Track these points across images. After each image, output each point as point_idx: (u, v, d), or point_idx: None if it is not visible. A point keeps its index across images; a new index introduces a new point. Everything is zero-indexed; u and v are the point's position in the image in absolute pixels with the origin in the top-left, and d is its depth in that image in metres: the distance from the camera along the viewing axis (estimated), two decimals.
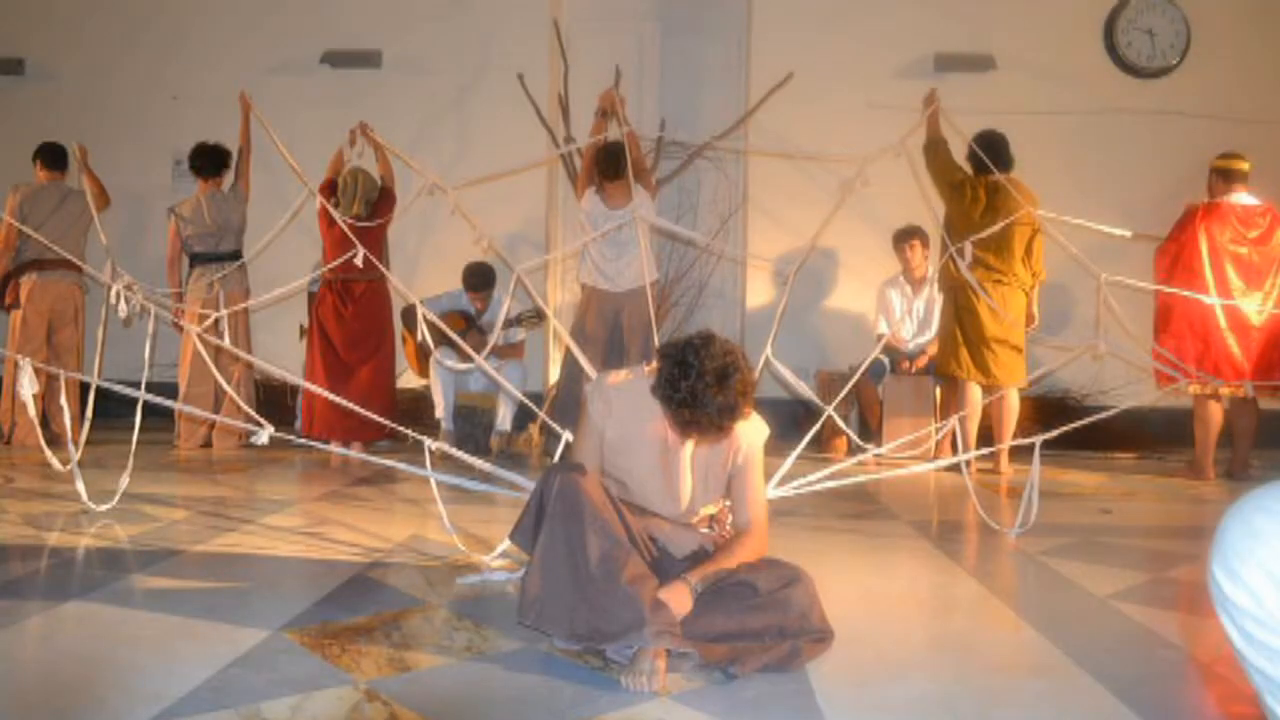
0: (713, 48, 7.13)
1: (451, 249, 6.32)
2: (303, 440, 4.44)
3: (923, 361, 5.95)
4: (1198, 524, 4.12)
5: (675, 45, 7.11)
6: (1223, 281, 5.01)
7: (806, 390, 4.29)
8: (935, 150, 5.31)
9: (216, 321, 4.54)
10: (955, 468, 4.45)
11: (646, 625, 2.09)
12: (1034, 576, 3.24)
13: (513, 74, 6.60)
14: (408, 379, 6.24)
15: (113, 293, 3.77)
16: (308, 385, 4.66)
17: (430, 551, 3.33)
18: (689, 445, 2.42)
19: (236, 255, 5.82)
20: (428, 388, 5.88)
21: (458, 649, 2.33)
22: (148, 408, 3.82)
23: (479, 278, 5.84)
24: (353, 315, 5.44)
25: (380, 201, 5.43)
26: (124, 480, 3.86)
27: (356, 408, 4.00)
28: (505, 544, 3.04)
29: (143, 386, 3.67)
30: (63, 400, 3.87)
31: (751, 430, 2.45)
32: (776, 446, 2.97)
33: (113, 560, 3.16)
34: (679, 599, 2.19)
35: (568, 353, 5.18)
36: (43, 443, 4.10)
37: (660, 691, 2.06)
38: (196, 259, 5.82)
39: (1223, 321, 4.99)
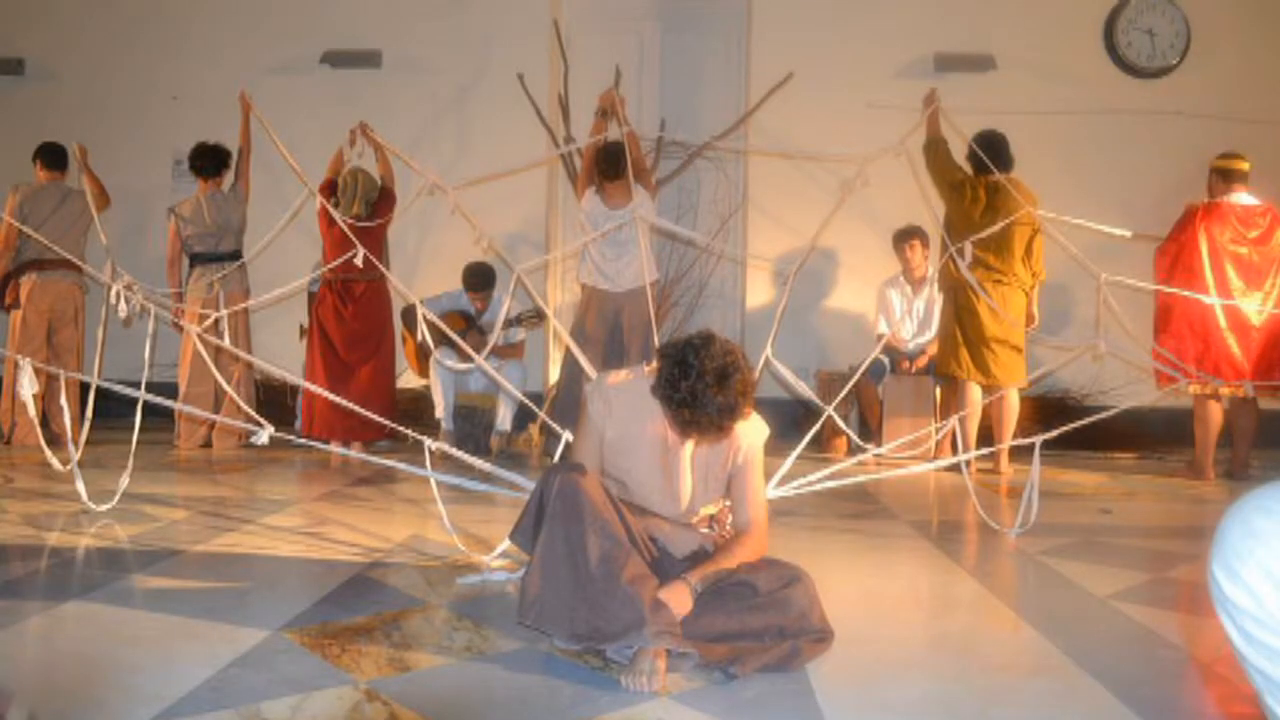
0: (713, 48, 7.13)
1: (451, 249, 6.32)
2: (303, 440, 4.44)
3: (923, 361, 5.95)
4: (1198, 524, 4.11)
5: (675, 45, 7.11)
6: (1223, 281, 5.00)
7: (806, 390, 4.29)
8: (935, 150, 5.31)
9: (216, 321, 4.55)
10: (955, 468, 4.46)
11: (646, 625, 2.09)
12: (1034, 576, 3.24)
13: (513, 74, 6.60)
14: (408, 379, 6.24)
15: (113, 293, 3.76)
16: (308, 385, 4.66)
17: (430, 551, 3.33)
18: (689, 445, 2.42)
19: (236, 255, 5.82)
20: (428, 388, 5.89)
21: (458, 649, 2.33)
22: (148, 408, 3.82)
23: (479, 278, 5.84)
24: (353, 315, 5.44)
25: (380, 201, 5.43)
26: (124, 480, 3.86)
27: (356, 408, 4.00)
28: (505, 544, 3.04)
29: (143, 386, 3.67)
30: (63, 400, 3.87)
31: (751, 430, 2.45)
32: (776, 446, 2.97)
33: (113, 560, 3.16)
34: (679, 599, 2.19)
35: (568, 353, 5.18)
36: (43, 443, 4.10)
37: (660, 691, 2.06)
38: (196, 259, 5.82)
39: (1223, 321, 4.99)
